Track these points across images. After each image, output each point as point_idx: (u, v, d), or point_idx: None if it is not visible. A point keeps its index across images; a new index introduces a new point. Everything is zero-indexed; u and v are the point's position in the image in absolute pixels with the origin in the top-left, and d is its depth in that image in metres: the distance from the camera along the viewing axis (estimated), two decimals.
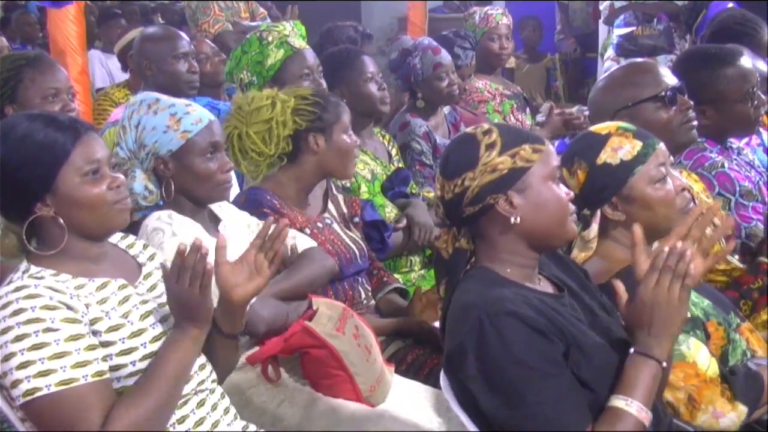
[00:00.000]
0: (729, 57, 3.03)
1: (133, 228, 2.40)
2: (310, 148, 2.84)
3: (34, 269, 1.87)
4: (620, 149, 2.19)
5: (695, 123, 2.72)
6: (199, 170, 2.39)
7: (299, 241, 2.66)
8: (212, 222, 2.54)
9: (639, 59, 2.91)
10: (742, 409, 2.11)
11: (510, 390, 1.79)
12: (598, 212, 2.23)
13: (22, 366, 1.75)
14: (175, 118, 2.37)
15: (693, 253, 1.83)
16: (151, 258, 2.11)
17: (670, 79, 2.70)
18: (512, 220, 1.88)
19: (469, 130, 1.98)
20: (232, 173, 2.56)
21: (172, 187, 2.40)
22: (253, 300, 2.29)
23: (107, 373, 1.82)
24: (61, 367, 1.75)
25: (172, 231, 2.32)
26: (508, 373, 1.79)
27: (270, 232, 2.00)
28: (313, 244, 2.67)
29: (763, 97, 3.04)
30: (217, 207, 2.58)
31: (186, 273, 1.82)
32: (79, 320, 1.81)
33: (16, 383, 1.75)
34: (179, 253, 1.82)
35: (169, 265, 1.87)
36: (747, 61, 3.03)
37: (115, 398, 1.82)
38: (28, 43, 7.44)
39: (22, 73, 2.99)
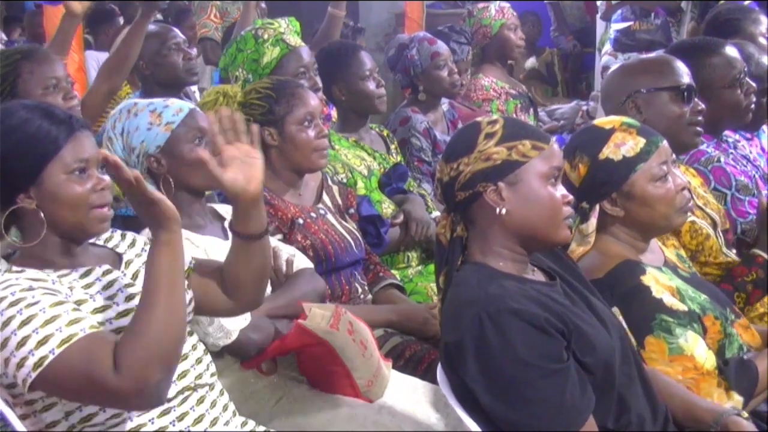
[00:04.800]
0: (713, 46, 3.03)
1: (132, 229, 2.40)
2: (267, 142, 2.82)
3: (15, 267, 1.86)
4: (623, 145, 2.18)
5: (701, 130, 2.72)
6: (190, 158, 2.35)
7: (297, 259, 2.64)
8: (216, 220, 2.52)
9: (662, 54, 2.90)
10: (738, 399, 2.12)
11: (511, 388, 1.79)
12: (597, 207, 2.23)
13: (21, 344, 1.73)
14: (156, 113, 2.37)
15: None
16: (132, 245, 2.09)
17: (688, 78, 2.70)
18: (497, 210, 1.88)
19: (478, 118, 1.98)
20: None
21: (172, 184, 2.38)
22: (246, 323, 2.32)
23: (101, 327, 1.80)
24: (57, 329, 1.73)
25: None
26: (509, 371, 1.79)
27: (223, 123, 1.96)
28: (309, 264, 2.65)
29: (753, 84, 3.03)
30: (220, 207, 2.58)
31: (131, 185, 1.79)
32: (60, 291, 1.80)
33: (21, 362, 1.73)
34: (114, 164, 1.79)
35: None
36: (732, 50, 3.03)
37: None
38: (37, 40, 7.39)
39: (20, 67, 2.99)
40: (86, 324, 1.76)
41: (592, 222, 2.23)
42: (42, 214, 1.85)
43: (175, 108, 2.39)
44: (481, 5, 5.08)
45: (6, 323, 1.75)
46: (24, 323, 1.74)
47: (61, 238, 1.90)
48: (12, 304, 1.76)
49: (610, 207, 2.22)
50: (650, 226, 2.26)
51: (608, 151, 2.19)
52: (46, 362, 1.72)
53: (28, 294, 1.77)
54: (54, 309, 1.76)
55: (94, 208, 1.88)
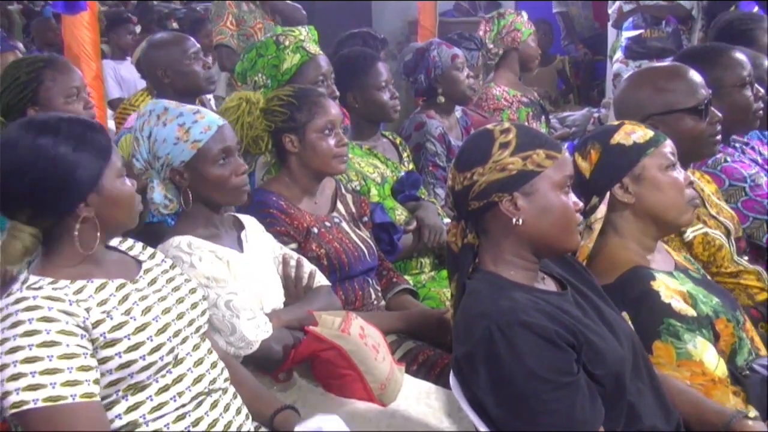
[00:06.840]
0: (723, 49, 3.04)
1: (151, 235, 2.44)
2: (287, 148, 2.87)
3: (32, 279, 1.88)
4: (633, 133, 2.25)
5: (719, 138, 2.72)
6: (213, 177, 2.39)
7: (317, 275, 2.69)
8: (234, 228, 2.55)
9: (676, 63, 2.87)
10: (755, 414, 2.10)
11: (521, 402, 1.80)
12: (607, 197, 2.25)
13: (13, 378, 1.76)
14: (184, 128, 2.37)
15: None
16: (152, 256, 2.13)
17: (704, 90, 2.66)
18: (514, 221, 1.90)
19: (489, 126, 1.99)
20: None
21: (190, 196, 2.41)
22: (268, 335, 2.35)
23: (97, 396, 1.82)
24: (51, 384, 1.76)
25: (191, 262, 2.34)
26: (518, 385, 1.79)
27: None
28: (327, 282, 2.70)
29: (762, 90, 3.03)
30: (241, 216, 2.61)
31: None
32: (75, 333, 1.82)
33: (5, 395, 1.76)
34: None
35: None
36: (741, 54, 3.02)
37: (105, 420, 1.84)
38: (48, 48, 7.44)
39: (42, 74, 3.01)
40: (80, 390, 1.78)
41: (602, 209, 2.24)
42: (96, 221, 1.90)
43: (204, 125, 2.39)
44: (510, 11, 5.10)
45: (12, 350, 1.77)
46: (27, 361, 1.76)
47: (107, 238, 1.97)
48: (27, 334, 1.78)
49: (621, 193, 2.24)
50: (661, 217, 2.26)
51: (619, 138, 2.24)
52: (25, 407, 1.75)
53: (45, 326, 1.79)
54: (60, 362, 1.78)
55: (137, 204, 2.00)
